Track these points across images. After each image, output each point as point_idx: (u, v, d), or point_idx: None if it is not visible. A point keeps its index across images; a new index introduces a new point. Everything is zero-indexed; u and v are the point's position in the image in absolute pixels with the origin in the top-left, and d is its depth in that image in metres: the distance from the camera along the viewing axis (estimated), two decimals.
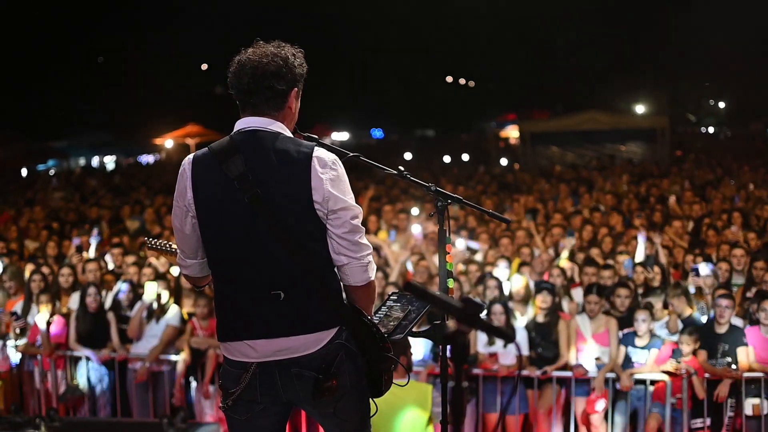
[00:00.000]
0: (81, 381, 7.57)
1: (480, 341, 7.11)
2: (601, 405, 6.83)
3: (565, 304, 7.64)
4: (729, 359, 6.61)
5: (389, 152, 32.46)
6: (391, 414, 5.67)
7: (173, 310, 7.55)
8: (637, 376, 6.76)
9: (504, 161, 25.32)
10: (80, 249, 9.64)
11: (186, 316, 7.61)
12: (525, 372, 6.96)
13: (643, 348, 6.86)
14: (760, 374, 6.51)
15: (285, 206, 2.99)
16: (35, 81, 35.34)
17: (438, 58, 48.24)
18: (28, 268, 8.73)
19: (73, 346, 7.58)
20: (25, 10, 34.44)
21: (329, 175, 3.00)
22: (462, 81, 57.56)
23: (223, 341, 3.15)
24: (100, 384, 7.56)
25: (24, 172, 28.10)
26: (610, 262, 8.56)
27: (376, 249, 8.65)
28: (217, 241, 3.09)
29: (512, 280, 7.71)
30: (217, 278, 3.17)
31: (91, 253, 9.54)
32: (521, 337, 7.09)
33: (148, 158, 37.01)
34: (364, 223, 3.34)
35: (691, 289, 7.59)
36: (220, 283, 3.16)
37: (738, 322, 6.90)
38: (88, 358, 7.53)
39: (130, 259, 8.87)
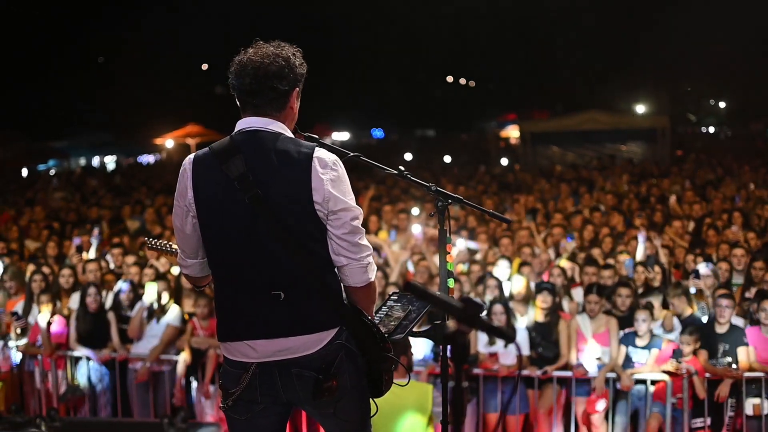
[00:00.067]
0: (81, 381, 7.57)
1: (480, 341, 7.11)
2: (601, 405, 6.83)
3: (566, 304, 7.64)
4: (729, 359, 6.61)
5: (390, 152, 32.47)
6: (392, 414, 5.67)
7: (174, 310, 7.55)
8: (638, 376, 6.76)
9: (504, 161, 25.31)
10: (80, 249, 9.65)
11: (186, 316, 7.62)
12: (525, 372, 6.96)
13: (643, 348, 6.86)
14: (761, 374, 6.51)
15: (285, 207, 2.99)
16: (35, 81, 35.34)
17: (438, 58, 48.23)
18: (29, 269, 8.74)
19: (73, 346, 7.58)
20: (25, 10, 34.44)
21: (330, 176, 3.00)
22: (462, 81, 57.57)
23: (224, 341, 3.15)
24: (101, 383, 7.56)
25: (24, 172, 28.11)
26: (611, 261, 8.56)
27: (377, 249, 8.65)
28: (218, 241, 3.09)
29: (513, 281, 7.71)
30: (218, 278, 3.17)
31: (92, 253, 9.54)
32: (522, 337, 7.09)
33: (148, 158, 37.02)
34: (365, 223, 3.34)
35: (692, 290, 7.59)
36: (220, 283, 3.16)
37: (738, 321, 6.90)
38: (88, 358, 7.53)
39: (130, 259, 8.87)
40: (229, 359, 3.14)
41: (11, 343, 7.68)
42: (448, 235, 3.44)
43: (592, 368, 6.88)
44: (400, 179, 3.52)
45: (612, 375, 6.84)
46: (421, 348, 7.02)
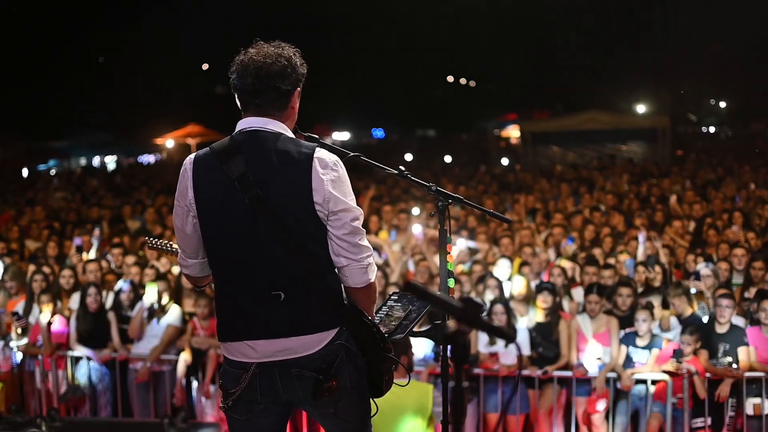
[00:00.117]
0: (82, 381, 7.57)
1: (481, 341, 7.11)
2: (602, 405, 6.83)
3: (566, 304, 7.64)
4: (730, 359, 6.61)
5: (390, 152, 32.47)
6: (392, 414, 5.66)
7: (174, 310, 7.55)
8: (638, 376, 6.76)
9: (505, 161, 25.32)
10: (80, 249, 9.64)
11: (187, 317, 7.61)
12: (526, 372, 6.96)
13: (644, 348, 6.86)
14: (761, 374, 6.51)
15: (285, 207, 2.99)
16: (36, 81, 35.34)
17: (438, 58, 48.22)
18: (30, 269, 8.74)
19: (73, 346, 7.59)
20: (25, 10, 34.44)
21: (330, 176, 3.00)
22: (463, 81, 57.56)
23: (224, 341, 3.15)
24: (101, 383, 7.56)
25: (25, 172, 28.11)
26: (611, 261, 8.56)
27: (377, 249, 8.65)
28: (218, 242, 3.09)
29: (513, 281, 7.70)
30: (218, 278, 3.17)
31: (92, 253, 9.54)
32: (522, 337, 7.08)
33: (148, 158, 37.03)
34: (366, 223, 3.34)
35: (692, 290, 7.59)
36: (220, 283, 3.16)
37: (739, 321, 6.90)
38: (89, 358, 7.53)
39: (131, 259, 8.88)
40: (229, 359, 3.14)
41: (12, 344, 7.68)
42: (448, 235, 3.44)
43: (592, 368, 6.88)
44: (400, 179, 3.52)
45: (612, 375, 6.84)
46: (421, 348, 7.02)
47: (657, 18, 38.68)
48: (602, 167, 20.06)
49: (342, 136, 42.90)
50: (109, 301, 7.91)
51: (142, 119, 33.42)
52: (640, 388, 6.82)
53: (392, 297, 3.40)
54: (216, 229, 3.08)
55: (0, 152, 27.99)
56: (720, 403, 6.60)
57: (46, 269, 8.47)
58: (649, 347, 6.85)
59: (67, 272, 8.28)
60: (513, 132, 36.03)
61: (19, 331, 7.64)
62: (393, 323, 3.27)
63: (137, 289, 7.82)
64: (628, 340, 6.93)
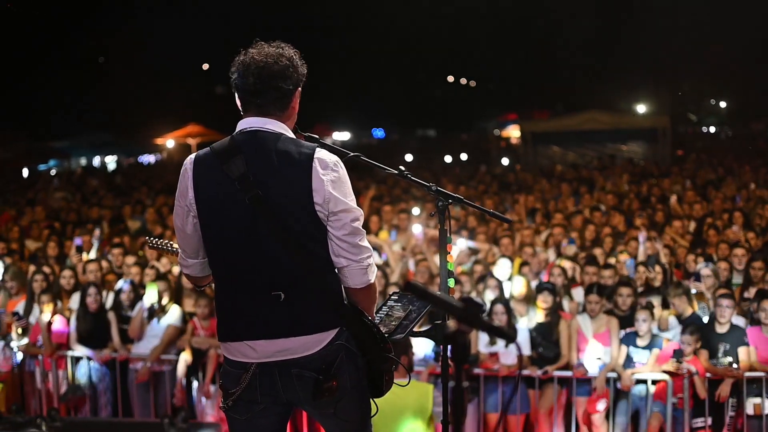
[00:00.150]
0: (82, 381, 7.57)
1: (481, 341, 7.11)
2: (602, 405, 6.83)
3: (566, 304, 7.64)
4: (730, 359, 6.61)
5: (390, 152, 32.47)
6: (393, 414, 5.66)
7: (174, 310, 7.55)
8: (639, 376, 6.76)
9: (505, 161, 25.33)
10: (80, 249, 9.64)
11: (187, 317, 7.61)
12: (526, 372, 6.96)
13: (644, 348, 6.86)
14: (762, 374, 6.51)
15: (286, 207, 2.99)
16: (36, 81, 35.33)
17: (438, 58, 48.23)
18: (30, 269, 8.74)
19: (73, 346, 7.59)
20: (25, 10, 34.43)
21: (330, 177, 3.00)
22: (463, 81, 57.57)
23: (224, 341, 3.15)
24: (101, 383, 7.56)
25: (25, 172, 28.10)
26: (611, 261, 8.56)
27: (376, 249, 8.64)
28: (218, 242, 3.09)
29: (513, 282, 7.69)
30: (218, 278, 3.17)
31: (93, 253, 9.54)
32: (523, 337, 7.08)
33: (148, 158, 37.03)
34: (366, 223, 3.34)
35: (693, 290, 7.59)
36: (220, 283, 3.16)
37: (739, 321, 6.90)
38: (89, 358, 7.54)
39: (131, 259, 8.88)
40: (229, 359, 3.14)
41: (13, 344, 7.67)
42: (448, 235, 3.44)
43: (592, 368, 6.88)
44: (400, 179, 3.52)
45: (612, 375, 6.84)
46: (421, 348, 7.02)
47: (657, 18, 38.68)
48: (602, 167, 20.05)
49: (342, 136, 42.91)
50: (109, 301, 7.91)
51: (143, 119, 33.41)
52: (641, 388, 6.82)
53: (392, 297, 3.40)
54: (216, 229, 3.08)
55: (0, 152, 27.97)
56: (720, 403, 6.60)
57: (46, 269, 8.47)
58: (649, 347, 6.85)
59: (67, 272, 8.29)
60: (513, 132, 36.04)
61: (20, 331, 7.64)
62: (393, 323, 3.27)
63: (137, 289, 7.82)
64: (629, 340, 6.93)
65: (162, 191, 15.94)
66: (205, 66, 43.44)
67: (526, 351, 7.08)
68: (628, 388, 6.77)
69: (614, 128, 23.70)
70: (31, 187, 20.24)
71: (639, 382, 6.79)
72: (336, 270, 3.09)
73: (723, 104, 48.99)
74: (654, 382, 6.76)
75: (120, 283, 8.07)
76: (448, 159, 27.88)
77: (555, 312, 7.19)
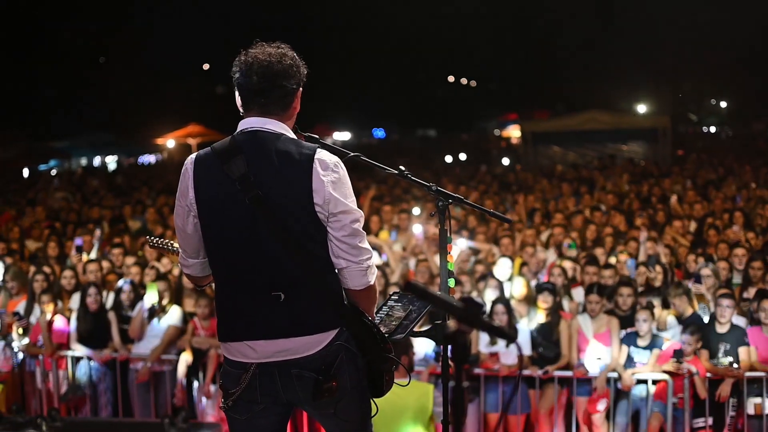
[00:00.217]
0: (82, 381, 7.57)
1: (482, 341, 7.10)
2: (602, 405, 6.83)
3: (566, 304, 7.63)
4: (731, 358, 6.61)
5: (391, 152, 32.48)
6: (393, 414, 5.66)
7: (174, 310, 7.55)
8: (639, 376, 6.76)
9: (506, 161, 25.33)
10: (80, 250, 9.64)
11: (187, 317, 7.61)
12: (527, 372, 6.95)
13: (644, 348, 6.85)
14: (762, 374, 6.51)
15: (286, 208, 2.98)
16: (36, 81, 35.36)
17: (439, 58, 48.26)
18: (31, 269, 8.73)
19: (73, 345, 7.59)
20: (25, 10, 34.46)
21: (331, 178, 2.99)
22: (463, 81, 57.59)
23: (224, 341, 3.15)
24: (102, 383, 7.56)
25: (26, 172, 28.11)
26: (611, 261, 8.56)
27: (376, 250, 8.64)
28: (219, 242, 3.09)
29: (513, 283, 7.68)
30: (218, 278, 3.17)
31: (93, 253, 9.54)
32: (524, 337, 7.08)
33: (148, 158, 37.04)
34: (366, 223, 3.34)
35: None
36: (220, 283, 3.16)
37: (739, 321, 6.90)
38: (89, 358, 7.54)
39: (130, 260, 8.88)
40: (229, 359, 3.14)
41: (15, 344, 7.67)
42: (448, 234, 3.44)
43: (593, 368, 6.88)
44: (401, 179, 3.51)
45: (613, 375, 6.83)
46: (422, 347, 7.02)
47: (658, 18, 38.68)
48: (602, 167, 20.05)
49: (343, 136, 42.92)
50: (109, 301, 7.91)
51: (143, 119, 33.42)
52: (641, 388, 6.82)
53: (392, 297, 3.40)
54: (216, 229, 3.08)
55: (1, 152, 27.97)
56: (721, 402, 6.60)
57: (46, 269, 8.47)
58: (649, 347, 6.84)
59: (68, 272, 8.29)
60: (513, 132, 36.04)
61: (21, 331, 7.65)
62: (393, 323, 3.27)
63: (137, 289, 7.82)
64: (629, 340, 6.93)
65: (162, 191, 15.94)
66: (206, 66, 43.47)
67: (527, 351, 7.08)
68: (629, 388, 6.76)
69: (615, 128, 23.68)
70: (32, 187, 20.25)
71: (639, 382, 6.79)
72: (336, 271, 3.09)
73: (723, 104, 49.00)
74: (654, 382, 6.75)
75: (120, 283, 8.07)
76: (448, 159, 27.88)
77: (555, 312, 7.19)
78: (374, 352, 3.12)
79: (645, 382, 6.77)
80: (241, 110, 3.16)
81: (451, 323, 3.24)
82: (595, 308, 7.10)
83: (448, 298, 2.34)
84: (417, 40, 44.27)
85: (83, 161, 35.02)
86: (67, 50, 36.57)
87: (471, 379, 6.97)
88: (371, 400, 3.21)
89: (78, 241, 9.87)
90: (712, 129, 45.08)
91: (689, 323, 6.90)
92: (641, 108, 36.38)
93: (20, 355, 7.73)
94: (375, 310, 3.28)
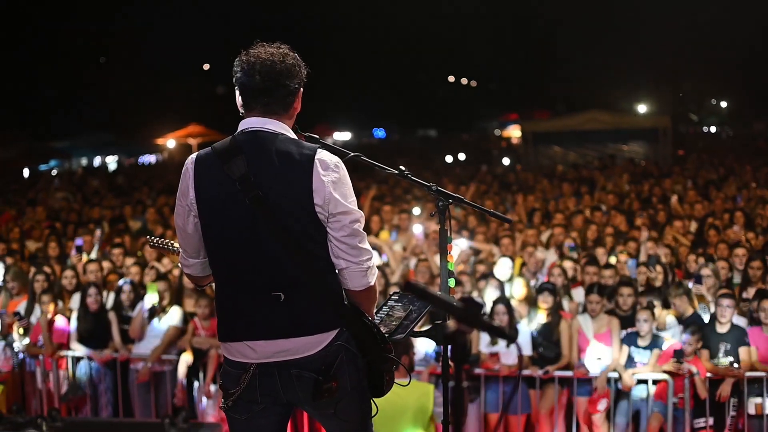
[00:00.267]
0: (83, 381, 7.57)
1: (482, 341, 7.10)
2: (603, 405, 6.83)
3: (565, 304, 7.63)
4: (731, 358, 6.61)
5: (391, 152, 32.48)
6: (393, 414, 5.66)
7: (175, 311, 7.55)
8: (639, 376, 6.75)
9: (506, 161, 25.33)
10: (80, 250, 9.65)
11: (188, 317, 7.61)
12: (527, 372, 6.95)
13: (645, 348, 6.85)
14: (763, 374, 6.51)
15: (286, 208, 2.98)
16: (37, 81, 35.37)
17: (439, 58, 48.27)
18: (31, 269, 8.73)
19: (73, 346, 7.59)
20: (25, 10, 34.47)
21: (331, 178, 2.99)
22: (464, 81, 57.59)
23: (224, 341, 3.15)
24: (102, 383, 7.56)
25: (26, 172, 28.11)
26: (612, 261, 8.56)
27: (376, 250, 8.63)
28: (219, 242, 3.09)
29: (513, 284, 7.68)
30: (218, 278, 3.17)
31: (93, 253, 9.55)
32: (524, 338, 7.07)
33: (148, 158, 37.05)
34: (367, 223, 3.34)
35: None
36: (221, 283, 3.16)
37: (739, 321, 6.89)
38: (90, 358, 7.54)
39: (130, 260, 8.88)
40: (229, 359, 3.14)
41: (16, 345, 7.67)
42: (449, 234, 3.44)
43: (594, 368, 6.88)
44: (401, 179, 3.51)
45: (613, 375, 6.83)
46: (423, 347, 7.01)
47: (658, 17, 38.66)
48: (603, 167, 20.04)
49: (343, 136, 42.92)
50: (109, 301, 7.91)
51: (143, 119, 33.43)
52: (641, 388, 6.81)
53: (393, 297, 3.40)
54: (217, 229, 3.07)
55: (1, 152, 27.97)
56: (721, 403, 6.59)
57: (47, 269, 8.47)
58: (650, 347, 6.84)
59: (69, 272, 8.30)
60: (514, 132, 36.04)
61: (21, 331, 7.64)
62: (394, 323, 3.27)
63: (137, 289, 7.82)
64: (630, 340, 6.92)
65: (163, 191, 15.94)
66: (206, 66, 43.47)
67: (527, 351, 7.08)
68: (629, 388, 6.76)
69: (615, 128, 23.68)
70: (32, 187, 20.25)
71: (640, 382, 6.78)
72: (336, 271, 3.09)
73: (724, 104, 49.00)
74: (655, 382, 6.75)
75: (120, 282, 8.06)
76: (448, 159, 27.89)
77: (556, 312, 7.18)
78: (374, 352, 3.12)
79: (645, 382, 6.76)
80: (241, 110, 3.15)
81: (451, 323, 3.24)
82: (595, 308, 7.09)
83: (447, 298, 2.34)
84: (417, 40, 44.27)
85: (83, 161, 35.03)
86: (67, 50, 36.57)
87: (472, 379, 6.97)
88: (371, 400, 3.21)
89: (78, 241, 9.88)
90: (713, 129, 45.09)
91: (690, 323, 6.90)
92: (642, 108, 36.39)
93: (21, 356, 7.72)
94: (375, 310, 3.28)
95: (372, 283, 3.10)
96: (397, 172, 3.50)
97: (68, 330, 7.66)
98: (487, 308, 7.12)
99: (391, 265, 8.89)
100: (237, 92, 3.14)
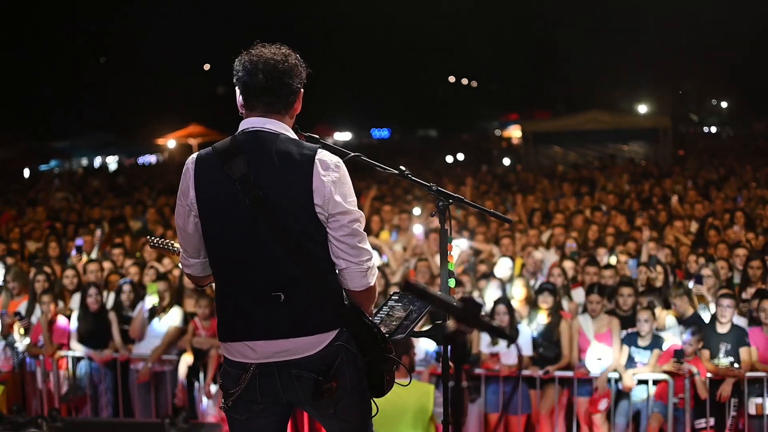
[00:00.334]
0: (83, 381, 7.57)
1: (483, 341, 7.10)
2: (603, 404, 6.83)
3: (565, 304, 7.63)
4: (731, 359, 6.61)
5: (392, 152, 32.49)
6: (393, 414, 5.66)
7: (175, 311, 7.55)
8: (640, 376, 6.75)
9: (507, 161, 25.34)
10: (80, 250, 9.65)
11: (188, 317, 7.61)
12: (527, 372, 6.95)
13: (645, 348, 6.85)
14: (763, 374, 6.51)
15: (286, 208, 2.98)
16: (37, 81, 35.38)
17: (440, 58, 48.30)
18: (32, 269, 8.74)
19: (74, 346, 7.59)
20: (25, 10, 34.48)
21: (331, 178, 2.99)
22: (464, 81, 57.61)
23: (224, 341, 3.15)
24: (102, 383, 7.56)
25: (26, 172, 28.12)
26: (612, 261, 8.55)
27: (376, 250, 8.63)
28: (219, 242, 3.09)
29: (513, 286, 7.67)
30: (219, 278, 3.17)
31: (94, 253, 9.55)
32: (525, 338, 7.07)
33: (149, 158, 37.06)
34: (367, 223, 3.34)
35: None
36: (221, 283, 3.16)
37: (740, 321, 6.89)
38: (90, 358, 7.54)
39: (129, 261, 8.89)
40: (229, 359, 3.14)
41: (18, 345, 7.67)
42: (449, 234, 3.44)
43: (594, 369, 6.88)
44: (402, 179, 3.51)
45: (614, 375, 6.83)
46: (423, 347, 7.01)
47: (658, 17, 38.67)
48: (603, 167, 20.05)
49: (344, 136, 42.94)
50: (110, 301, 7.91)
51: (144, 119, 33.45)
52: (642, 388, 6.81)
53: (393, 297, 3.40)
54: (217, 229, 3.07)
55: (1, 152, 27.97)
56: (722, 403, 6.59)
57: (47, 269, 8.48)
58: (650, 347, 6.84)
59: (70, 272, 8.30)
60: (514, 132, 36.04)
61: (22, 331, 7.64)
62: (394, 323, 3.26)
63: (137, 289, 7.82)
64: (630, 340, 6.92)
65: (163, 191, 15.95)
66: (207, 66, 43.48)
67: (527, 351, 7.07)
68: (630, 388, 6.76)
69: (615, 128, 23.68)
70: (32, 187, 20.26)
71: (640, 382, 6.78)
72: (336, 271, 3.09)
73: (724, 104, 49.01)
74: (655, 383, 6.75)
75: (120, 281, 8.06)
76: (449, 159, 27.89)
77: (556, 312, 7.18)
78: (375, 352, 3.11)
79: (646, 382, 6.76)
80: (241, 111, 3.15)
81: (451, 323, 3.23)
82: (595, 308, 7.09)
83: (447, 298, 2.34)
84: (417, 40, 44.28)
85: (84, 161, 35.04)
86: (67, 50, 36.58)
87: (472, 379, 6.97)
88: (372, 400, 3.21)
89: (78, 241, 9.88)
90: (713, 129, 45.10)
91: (690, 323, 6.89)
92: (642, 108, 36.38)
93: (22, 356, 7.72)
94: (375, 310, 3.28)
95: (372, 284, 3.10)
96: (397, 172, 3.50)
97: (70, 329, 7.67)
98: (488, 308, 7.12)
99: (391, 265, 8.88)
100: (238, 92, 3.13)
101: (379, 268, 4.86)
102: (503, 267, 8.18)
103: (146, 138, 33.50)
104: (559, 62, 43.72)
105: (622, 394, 6.86)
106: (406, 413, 5.78)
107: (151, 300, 7.50)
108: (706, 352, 6.67)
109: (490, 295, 7.48)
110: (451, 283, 3.39)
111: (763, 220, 10.87)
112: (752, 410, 6.53)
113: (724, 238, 9.23)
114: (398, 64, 46.13)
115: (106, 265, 8.85)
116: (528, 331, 7.14)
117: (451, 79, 56.39)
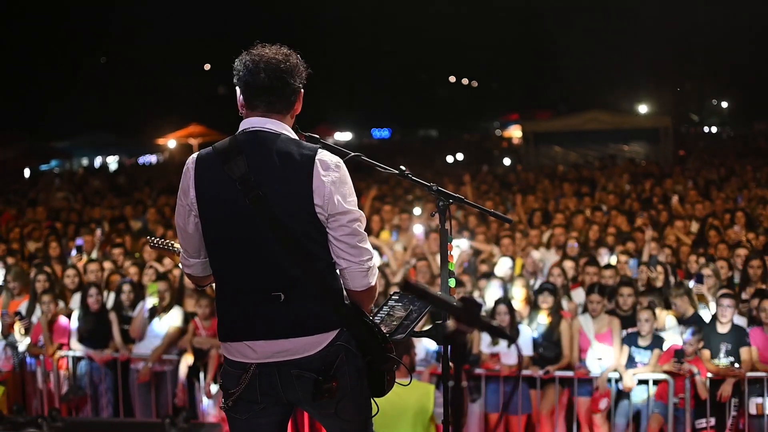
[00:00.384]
0: (83, 381, 7.57)
1: (483, 341, 7.10)
2: (604, 404, 6.83)
3: (565, 304, 7.63)
4: (732, 358, 6.61)
5: (392, 152, 32.49)
6: (394, 414, 5.66)
7: (176, 311, 7.55)
8: (640, 376, 6.75)
9: (507, 161, 25.34)
10: (80, 250, 9.65)
11: (189, 317, 7.61)
12: (528, 372, 6.95)
13: (646, 348, 6.85)
14: (763, 374, 6.50)
15: (286, 208, 2.98)
16: (37, 81, 35.39)
17: (440, 58, 48.28)
18: (32, 269, 8.74)
19: (74, 345, 7.59)
20: (25, 9, 34.49)
21: (331, 178, 2.99)
22: (465, 81, 57.61)
23: (224, 341, 3.14)
24: (103, 383, 7.56)
25: (27, 172, 28.12)
26: (612, 261, 8.55)
27: (377, 249, 8.63)
28: (219, 242, 3.08)
29: (513, 287, 7.67)
30: (219, 278, 3.17)
31: (94, 253, 9.55)
32: (526, 339, 7.07)
33: (149, 158, 37.06)
34: (368, 223, 3.33)
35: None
36: (221, 283, 3.16)
37: (740, 321, 6.89)
38: (90, 358, 7.54)
39: (129, 262, 8.89)
40: (229, 359, 3.14)
41: (19, 345, 7.67)
42: (449, 234, 3.43)
43: (595, 369, 6.87)
44: (402, 179, 3.51)
45: (614, 375, 6.83)
46: (423, 347, 7.01)
47: (658, 18, 38.66)
48: (604, 167, 20.04)
49: (344, 136, 42.94)
50: (110, 301, 7.91)
51: (144, 119, 33.46)
52: (642, 388, 6.81)
53: (393, 297, 3.39)
54: (217, 229, 3.07)
55: (2, 152, 27.98)
56: (722, 403, 6.59)
57: (47, 269, 8.48)
58: (651, 347, 6.83)
59: (71, 272, 8.31)
60: (515, 132, 36.04)
61: (23, 331, 7.65)
62: (394, 323, 3.26)
63: (137, 289, 7.82)
64: (630, 340, 6.92)
65: (164, 191, 15.95)
66: (207, 66, 43.49)
67: (528, 351, 7.07)
68: (630, 389, 6.75)
69: (616, 128, 23.66)
70: (33, 187, 20.26)
71: (640, 382, 6.78)
72: (337, 271, 3.09)
73: (724, 104, 49.01)
74: (655, 383, 6.75)
75: (120, 282, 8.06)
76: (449, 159, 27.90)
77: (556, 312, 7.18)
78: (375, 352, 3.11)
79: (646, 382, 6.76)
80: (242, 110, 3.14)
81: (451, 323, 3.23)
82: (596, 308, 7.09)
83: (446, 297, 2.34)
84: (417, 40, 44.26)
85: (84, 161, 35.04)
86: (66, 50, 36.58)
87: (472, 379, 6.97)
88: (372, 400, 3.21)
89: (79, 241, 9.88)
90: (714, 129, 45.08)
91: (690, 323, 6.89)
92: (642, 108, 36.39)
93: (22, 356, 7.72)
94: (376, 310, 3.28)
95: (373, 284, 3.10)
96: (397, 172, 3.50)
97: (70, 329, 7.67)
98: (489, 308, 7.12)
99: (391, 265, 8.88)
100: (239, 91, 3.13)
101: (379, 268, 4.86)
102: (503, 267, 8.17)
103: (147, 138, 33.51)
104: (559, 62, 43.69)
105: (623, 394, 6.86)
106: (406, 413, 5.78)
107: (151, 300, 7.51)
108: (706, 352, 6.66)
109: (490, 294, 7.48)
110: (452, 283, 3.39)
111: (763, 220, 10.87)
112: (753, 410, 6.53)
113: (724, 238, 9.23)
114: (399, 64, 46.15)
115: (107, 265, 8.85)
116: (528, 331, 7.14)
117: (452, 79, 56.40)
